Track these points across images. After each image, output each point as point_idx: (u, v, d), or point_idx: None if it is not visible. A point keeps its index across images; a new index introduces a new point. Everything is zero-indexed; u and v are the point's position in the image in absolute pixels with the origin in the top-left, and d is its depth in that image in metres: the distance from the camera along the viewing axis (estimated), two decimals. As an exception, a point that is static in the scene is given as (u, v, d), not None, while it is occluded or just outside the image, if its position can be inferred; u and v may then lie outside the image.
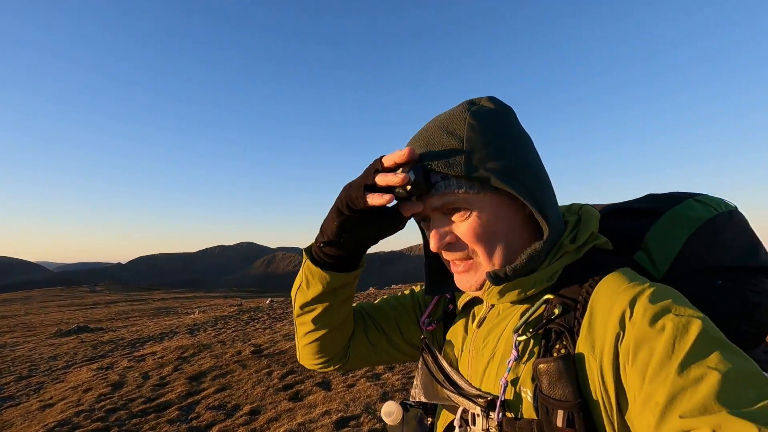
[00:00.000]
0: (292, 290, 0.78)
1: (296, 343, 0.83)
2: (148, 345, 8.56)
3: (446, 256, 0.65)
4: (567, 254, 0.62)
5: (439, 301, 0.83)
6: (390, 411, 0.81)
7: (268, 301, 16.69)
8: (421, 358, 0.75)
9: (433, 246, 0.63)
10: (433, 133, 0.62)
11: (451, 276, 0.69)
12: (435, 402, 0.72)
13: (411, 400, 0.78)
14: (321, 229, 0.69)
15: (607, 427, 0.49)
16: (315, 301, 0.74)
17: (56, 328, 12.50)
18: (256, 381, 5.28)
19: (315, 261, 0.71)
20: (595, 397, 0.50)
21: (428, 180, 0.60)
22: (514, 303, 0.65)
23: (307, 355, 0.82)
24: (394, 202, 0.61)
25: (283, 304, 15.32)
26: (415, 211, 0.63)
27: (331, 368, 0.84)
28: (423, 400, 0.72)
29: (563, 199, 0.73)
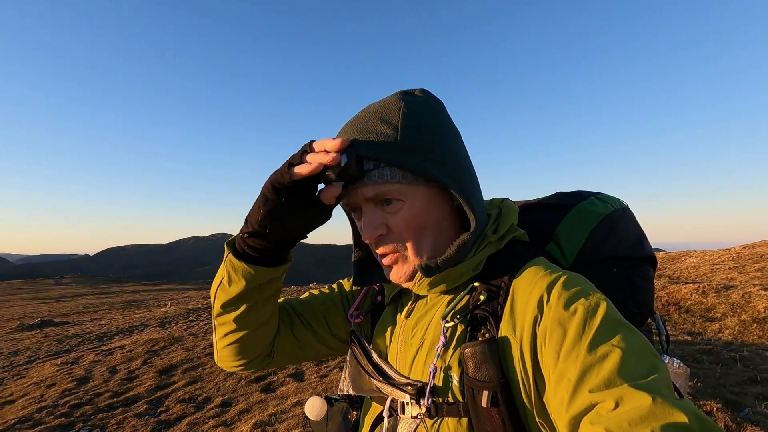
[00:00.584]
0: (211, 288, 0.73)
1: (214, 345, 0.77)
2: (116, 338, 8.34)
3: (377, 248, 0.65)
4: (490, 244, 0.65)
5: (368, 293, 0.82)
6: (314, 407, 0.79)
7: (242, 293, 16.46)
8: (350, 351, 0.76)
9: (365, 237, 0.63)
10: (367, 120, 0.62)
11: (379, 267, 0.70)
12: (364, 394, 0.72)
13: (338, 393, 0.78)
14: (246, 219, 0.64)
15: (527, 404, 0.53)
16: (238, 298, 0.68)
17: (18, 322, 12.00)
18: (228, 373, 5.23)
19: (238, 255, 0.66)
20: (516, 377, 0.53)
21: (360, 166, 0.59)
22: (442, 293, 0.67)
23: (226, 357, 0.75)
24: (322, 187, 0.61)
25: (259, 296, 15.17)
26: (335, 194, 0.60)
27: (254, 369, 0.79)
28: (351, 392, 0.72)
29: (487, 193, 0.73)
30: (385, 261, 0.66)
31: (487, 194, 0.75)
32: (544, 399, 0.51)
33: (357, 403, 0.83)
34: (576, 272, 0.62)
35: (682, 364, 0.72)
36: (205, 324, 9.28)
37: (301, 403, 4.03)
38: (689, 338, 5.43)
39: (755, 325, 5.60)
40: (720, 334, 5.53)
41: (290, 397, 4.27)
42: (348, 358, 0.75)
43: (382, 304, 0.78)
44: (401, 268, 0.65)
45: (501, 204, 0.72)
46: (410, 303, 0.71)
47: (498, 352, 0.55)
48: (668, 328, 5.97)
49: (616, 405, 0.42)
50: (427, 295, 0.69)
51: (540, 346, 0.52)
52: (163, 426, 3.84)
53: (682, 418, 0.39)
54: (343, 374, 0.76)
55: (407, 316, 0.70)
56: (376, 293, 0.80)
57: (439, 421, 0.58)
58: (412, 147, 0.60)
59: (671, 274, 10.29)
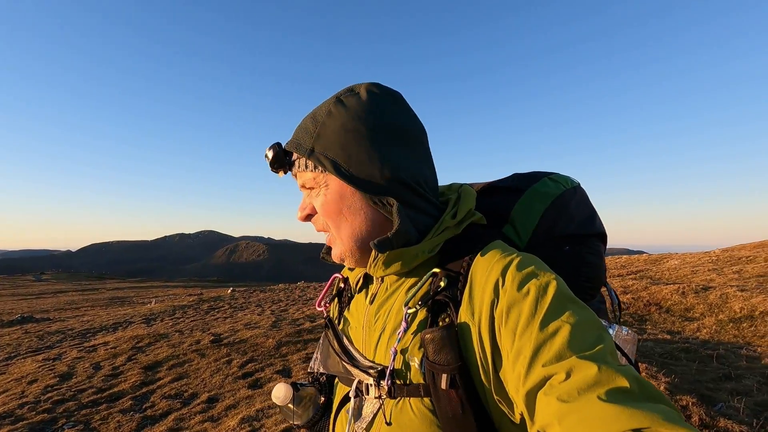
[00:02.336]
0: None
1: None
2: (100, 335, 8.23)
3: (315, 227, 0.74)
4: (448, 229, 0.67)
5: (334, 282, 0.87)
6: (279, 392, 0.82)
7: (229, 291, 16.35)
8: (323, 334, 0.80)
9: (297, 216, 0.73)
10: (305, 118, 0.71)
11: None
12: (332, 373, 0.76)
13: (308, 371, 0.82)
14: None
15: (486, 385, 0.55)
16: None
17: (-3, 318, 11.73)
18: (214, 369, 5.22)
19: None
20: (474, 360, 0.56)
21: (282, 158, 0.70)
22: (399, 276, 0.70)
23: None
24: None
25: (245, 294, 15.08)
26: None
27: None
28: (321, 370, 0.76)
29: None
30: (326, 241, 0.74)
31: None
32: (503, 377, 0.54)
33: (326, 387, 0.87)
34: (531, 252, 0.67)
35: (630, 331, 0.76)
36: (191, 321, 9.21)
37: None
38: (668, 337, 5.58)
39: (731, 324, 5.79)
40: (698, 333, 5.70)
41: (277, 393, 4.28)
42: (321, 341, 0.80)
43: (347, 289, 0.82)
44: (335, 249, 0.71)
45: (460, 189, 0.75)
46: (373, 289, 0.74)
47: (457, 336, 0.57)
48: (649, 326, 6.15)
49: (567, 376, 0.45)
50: (387, 280, 0.72)
51: (498, 328, 0.55)
52: (148, 422, 3.81)
53: (624, 382, 0.43)
54: (315, 354, 0.79)
55: (371, 302, 0.73)
56: (340, 280, 0.85)
57: (401, 401, 0.61)
58: (324, 143, 0.66)
59: (653, 276, 10.52)
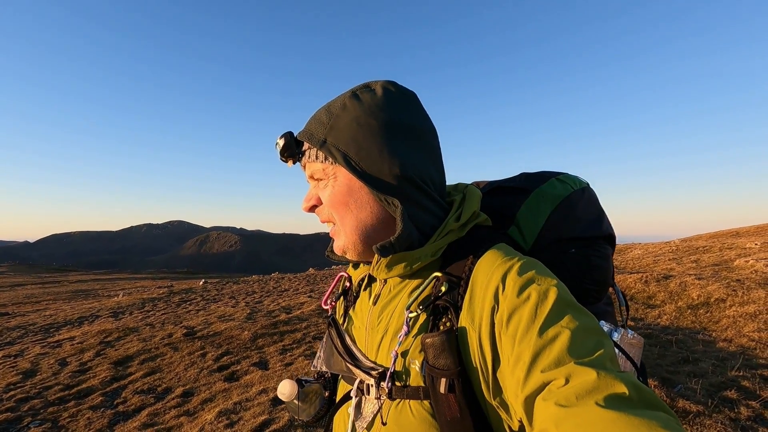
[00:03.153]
0: None
1: None
2: (64, 330, 7.91)
3: (319, 218, 0.74)
4: (452, 232, 0.67)
5: (340, 281, 0.88)
6: (284, 388, 0.83)
7: (201, 283, 15.99)
8: (327, 332, 0.80)
9: (302, 206, 0.74)
10: (320, 109, 0.71)
11: None
12: (334, 372, 0.77)
13: (312, 368, 0.82)
14: None
15: (484, 390, 0.56)
16: None
17: (-51, 313, 11.06)
18: (189, 363, 5.13)
19: None
20: (474, 365, 0.57)
21: (292, 147, 0.71)
22: (402, 278, 0.70)
23: None
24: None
25: (218, 286, 14.79)
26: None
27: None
28: (323, 369, 0.77)
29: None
30: (330, 233, 0.74)
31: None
32: (502, 383, 0.55)
33: (330, 383, 0.88)
34: (536, 254, 0.69)
35: (636, 335, 0.75)
36: (162, 314, 8.98)
37: (266, 391, 4.03)
38: (632, 323, 5.87)
39: (689, 311, 6.15)
40: (659, 320, 6.02)
41: (255, 385, 4.25)
42: (324, 339, 0.80)
43: (351, 289, 0.83)
44: (338, 241, 0.72)
45: (465, 189, 0.75)
46: (377, 290, 0.75)
47: (456, 341, 0.58)
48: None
49: (566, 381, 0.46)
50: (390, 282, 0.73)
51: (498, 333, 0.55)
52: (121, 417, 3.71)
53: (622, 389, 0.43)
54: (318, 353, 0.80)
55: (374, 303, 0.74)
56: (345, 279, 0.86)
57: (401, 403, 0.62)
58: (336, 135, 0.67)
59: (618, 265, 11.01)
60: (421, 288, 0.65)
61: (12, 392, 4.36)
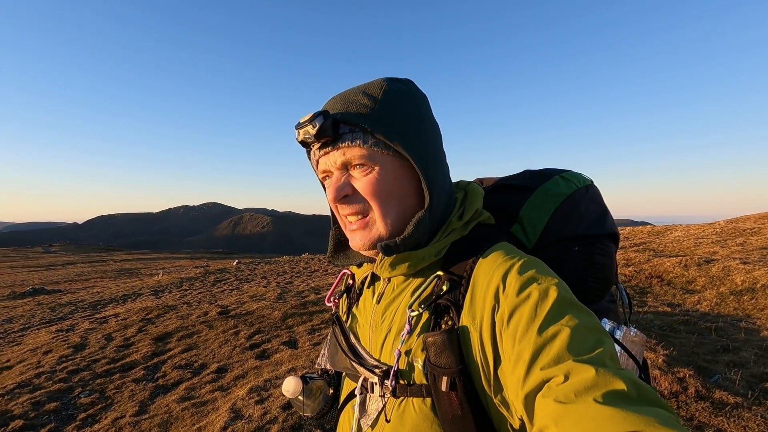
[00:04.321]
0: None
1: None
2: (110, 307, 8.42)
3: (342, 209, 0.68)
4: (455, 231, 0.68)
5: (343, 278, 0.88)
6: (289, 385, 0.84)
7: (235, 263, 16.57)
8: (330, 330, 0.81)
9: (330, 196, 0.67)
10: (350, 93, 0.67)
11: (348, 252, 0.77)
12: (338, 370, 0.77)
13: (316, 366, 0.84)
14: None
15: (485, 388, 0.57)
16: None
17: (9, 290, 12.00)
18: (223, 341, 5.37)
19: None
20: (475, 363, 0.57)
21: (336, 129, 0.64)
22: (406, 277, 0.70)
23: None
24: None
25: (251, 266, 15.29)
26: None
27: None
28: (328, 367, 0.78)
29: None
30: (349, 227, 0.69)
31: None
32: (503, 381, 0.55)
33: (334, 380, 0.88)
34: (539, 252, 0.69)
35: (638, 333, 0.76)
36: (198, 293, 9.39)
37: (295, 370, 4.17)
38: (669, 309, 5.65)
39: (732, 297, 5.84)
40: (698, 306, 5.76)
41: (284, 363, 4.41)
42: (329, 337, 0.80)
43: (354, 287, 0.83)
44: (366, 234, 0.67)
45: (467, 187, 0.75)
46: (380, 288, 0.75)
47: (458, 340, 0.58)
48: (650, 299, 6.22)
49: (565, 378, 0.46)
50: (393, 281, 0.73)
51: (499, 332, 0.56)
52: (161, 391, 3.96)
53: (621, 385, 0.43)
54: (322, 350, 0.81)
55: (378, 301, 0.74)
56: (349, 277, 0.86)
57: (404, 400, 0.63)
58: (386, 119, 0.64)
59: (656, 248, 10.54)
60: (423, 287, 0.65)
61: (64, 364, 4.71)
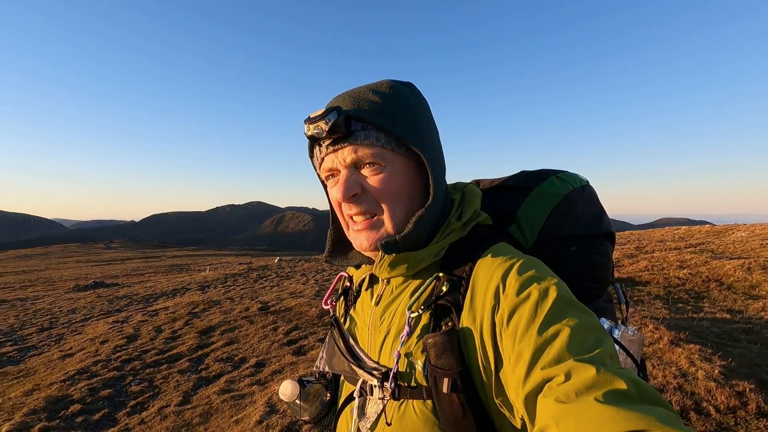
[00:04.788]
0: None
1: None
2: (161, 300, 8.94)
3: (349, 209, 0.67)
4: (454, 232, 0.67)
5: (340, 280, 0.87)
6: (285, 389, 0.83)
7: (276, 260, 17.09)
8: (329, 333, 0.80)
9: (339, 194, 0.65)
10: (359, 91, 0.67)
11: (349, 250, 0.76)
12: (337, 372, 0.76)
13: (314, 369, 0.84)
14: None
15: (486, 389, 0.56)
16: None
17: (74, 283, 13.03)
18: (262, 336, 5.54)
19: None
20: (476, 364, 0.57)
21: (348, 126, 0.63)
22: (405, 278, 0.70)
23: None
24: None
25: (291, 263, 15.70)
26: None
27: None
28: (326, 370, 0.77)
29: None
30: (354, 227, 0.68)
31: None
32: (504, 381, 0.55)
33: (332, 383, 0.88)
34: (537, 252, 0.70)
35: (636, 332, 0.75)
36: (241, 289, 9.76)
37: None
38: (728, 316, 5.22)
39: (803, 304, 5.31)
40: (762, 313, 5.27)
41: (320, 360, 4.48)
42: (327, 339, 0.80)
43: (351, 289, 0.83)
44: (373, 234, 0.66)
45: (464, 188, 0.75)
46: (379, 290, 0.74)
47: (458, 341, 0.58)
48: (706, 304, 5.77)
49: (565, 378, 0.46)
50: (392, 282, 0.72)
51: (499, 332, 0.55)
52: (203, 382, 4.15)
53: (622, 385, 0.43)
54: (320, 353, 0.80)
55: (376, 303, 0.73)
56: (346, 279, 0.85)
57: (404, 402, 0.62)
58: (397, 116, 0.65)
59: (715, 249, 9.77)
60: (422, 288, 0.65)
61: (118, 353, 5.05)
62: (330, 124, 0.61)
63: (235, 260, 23.72)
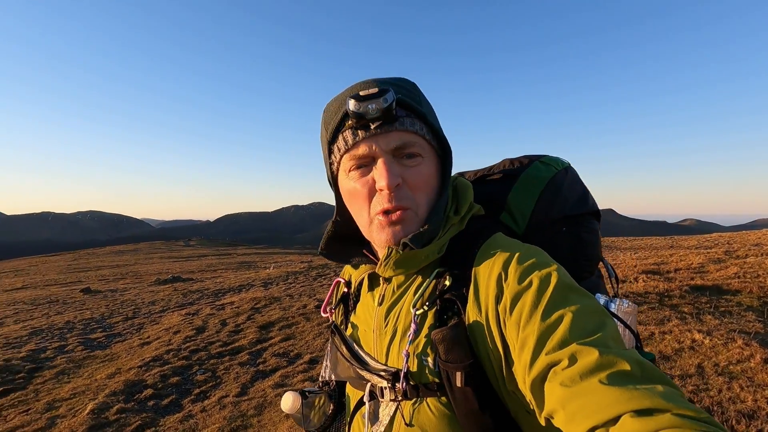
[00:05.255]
0: None
1: None
2: (228, 295, 9.54)
3: (385, 201, 0.62)
4: (453, 226, 0.68)
5: (337, 286, 0.86)
6: (287, 400, 0.82)
7: (335, 259, 17.52)
8: (330, 340, 0.78)
9: (384, 182, 0.61)
10: (389, 80, 0.64)
11: (346, 247, 0.74)
12: (342, 379, 0.75)
13: (320, 379, 0.82)
14: None
15: (498, 379, 0.56)
16: None
17: (156, 277, 14.34)
18: (317, 333, 5.69)
19: None
20: (486, 355, 0.57)
21: (393, 111, 0.59)
22: (407, 276, 0.69)
23: None
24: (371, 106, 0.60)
25: (349, 263, 16.01)
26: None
27: None
28: (332, 377, 0.76)
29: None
30: (386, 220, 0.64)
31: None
32: (513, 369, 0.55)
33: (335, 393, 0.86)
34: (529, 237, 0.72)
35: (630, 303, 0.77)
36: (301, 287, 10.13)
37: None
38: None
39: None
40: None
41: (371, 360, 4.50)
42: (329, 347, 0.79)
43: (349, 294, 0.81)
44: (407, 227, 0.63)
45: (455, 182, 0.74)
46: (380, 290, 0.73)
47: (466, 334, 0.58)
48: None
49: (570, 362, 0.46)
50: (391, 279, 0.71)
51: (503, 320, 0.56)
52: (260, 375, 4.34)
53: (625, 366, 0.44)
54: (324, 362, 0.79)
55: (380, 303, 0.72)
56: (343, 285, 0.84)
57: (418, 401, 0.61)
58: (428, 111, 0.66)
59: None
60: (425, 285, 0.65)
61: (188, 344, 5.44)
62: (387, 104, 0.58)
63: (297, 258, 24.71)
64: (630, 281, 6.66)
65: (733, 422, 2.55)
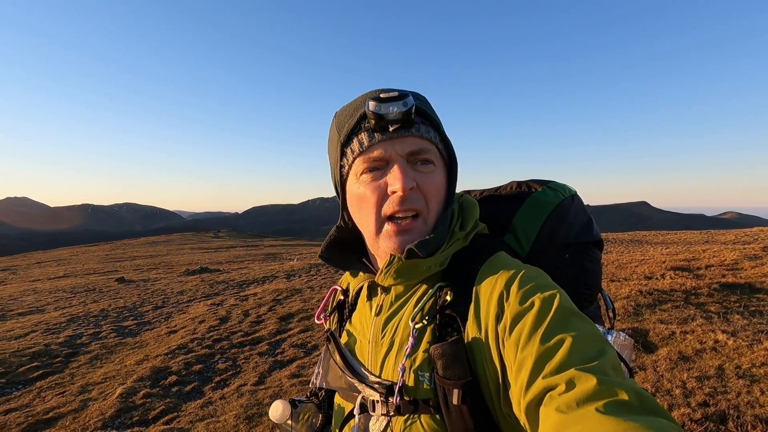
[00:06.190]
0: None
1: None
2: (252, 287, 9.83)
3: (396, 205, 0.62)
4: (458, 241, 0.67)
5: (333, 294, 0.84)
6: (276, 409, 0.80)
7: (357, 252, 17.65)
8: (324, 347, 0.77)
9: (398, 185, 0.60)
10: (402, 90, 0.63)
11: (346, 254, 0.75)
12: (333, 389, 0.74)
13: (311, 386, 0.81)
14: None
15: (495, 399, 0.55)
16: None
17: (185, 267, 14.91)
18: (334, 325, 5.81)
19: None
20: (484, 373, 0.56)
21: (411, 116, 0.61)
22: (407, 288, 0.68)
23: None
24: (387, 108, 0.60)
25: (371, 255, 16.12)
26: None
27: None
28: (323, 386, 0.74)
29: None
30: (395, 227, 0.64)
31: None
32: (509, 391, 0.54)
33: (324, 403, 0.85)
34: (532, 260, 0.71)
35: (627, 337, 0.77)
36: (322, 279, 10.31)
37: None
38: None
39: None
40: None
41: (385, 353, 4.56)
42: (322, 355, 0.78)
43: (346, 303, 0.80)
44: (417, 234, 0.63)
45: (460, 199, 0.75)
46: (378, 300, 0.72)
47: (465, 351, 0.57)
48: None
49: (567, 388, 0.45)
50: (390, 290, 0.70)
51: (503, 340, 0.55)
52: (278, 365, 4.49)
53: (623, 395, 0.43)
54: (316, 369, 0.77)
55: (377, 313, 0.70)
56: (340, 293, 0.83)
57: (411, 418, 0.60)
58: (439, 120, 0.69)
59: None
60: (425, 298, 0.64)
61: (211, 333, 5.67)
62: (408, 108, 0.60)
63: (321, 251, 24.97)
64: (656, 278, 6.45)
65: (749, 427, 2.46)
